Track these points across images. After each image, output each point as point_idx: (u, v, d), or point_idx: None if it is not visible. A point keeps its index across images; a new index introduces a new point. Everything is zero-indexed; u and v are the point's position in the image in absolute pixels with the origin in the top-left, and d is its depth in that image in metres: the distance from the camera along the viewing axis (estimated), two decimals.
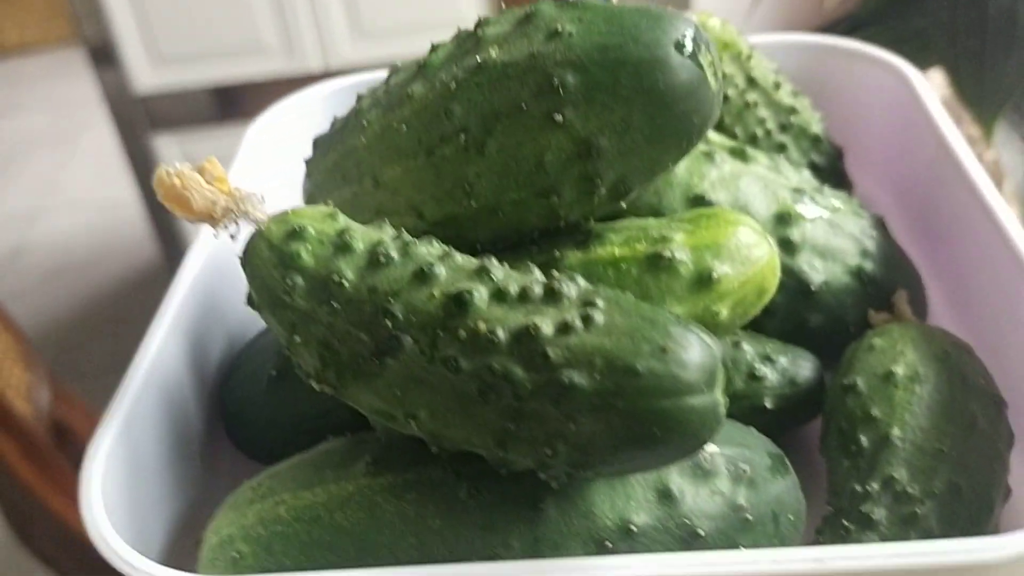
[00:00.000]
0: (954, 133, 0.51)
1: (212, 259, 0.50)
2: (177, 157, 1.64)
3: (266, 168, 0.57)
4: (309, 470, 0.40)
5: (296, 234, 0.37)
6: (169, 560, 0.42)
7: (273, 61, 1.68)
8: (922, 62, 0.88)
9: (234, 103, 1.67)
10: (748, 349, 0.46)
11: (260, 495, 0.40)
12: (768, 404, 0.45)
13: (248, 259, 0.38)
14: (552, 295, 0.34)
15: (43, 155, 2.27)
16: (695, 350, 0.32)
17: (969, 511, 0.39)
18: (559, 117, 0.37)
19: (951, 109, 0.88)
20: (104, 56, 1.65)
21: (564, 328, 0.32)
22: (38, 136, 2.34)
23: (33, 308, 1.71)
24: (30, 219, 2.02)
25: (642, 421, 0.31)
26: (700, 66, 0.37)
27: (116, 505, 0.39)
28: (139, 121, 1.74)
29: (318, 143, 0.47)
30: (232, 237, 0.40)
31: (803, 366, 0.46)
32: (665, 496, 0.37)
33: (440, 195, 0.41)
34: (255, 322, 0.47)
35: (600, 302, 0.33)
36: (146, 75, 1.63)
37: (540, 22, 0.39)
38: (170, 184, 0.39)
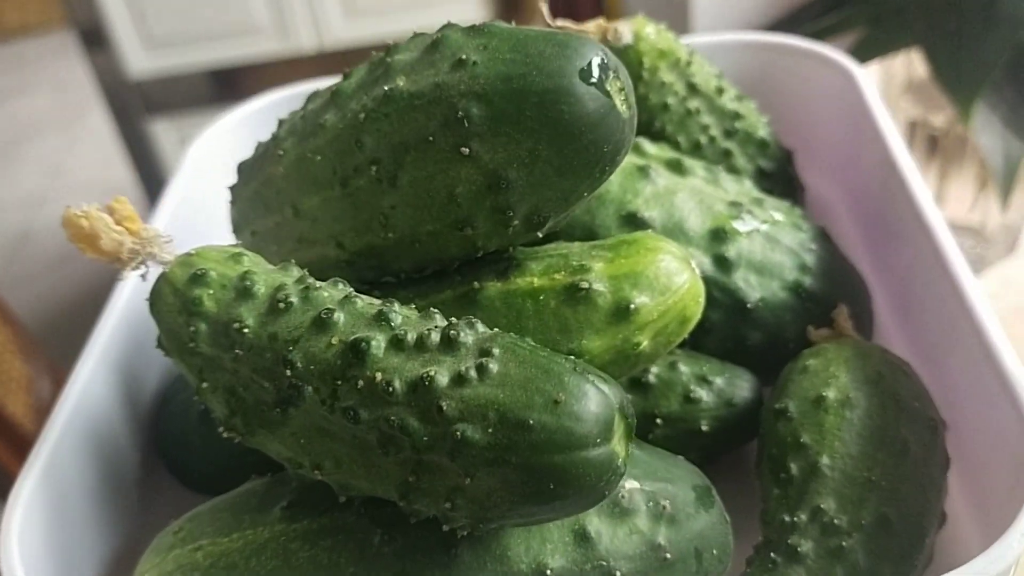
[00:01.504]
0: (895, 137, 0.50)
1: (143, 288, 0.49)
2: (174, 141, 1.64)
3: (207, 188, 0.56)
4: (227, 514, 0.39)
5: (198, 278, 0.36)
6: None
7: (266, 42, 1.66)
8: (900, 42, 0.86)
9: (229, 85, 1.67)
10: (684, 370, 0.45)
11: (180, 539, 0.39)
12: (704, 427, 0.45)
13: (154, 303, 0.37)
14: (449, 343, 0.33)
15: (48, 138, 2.26)
16: (590, 401, 0.31)
17: (899, 543, 0.38)
18: (466, 150, 0.36)
19: (927, 91, 0.86)
20: (96, 40, 1.64)
21: (459, 379, 0.32)
22: (42, 119, 2.33)
23: (40, 293, 1.71)
24: (37, 203, 2.02)
25: (537, 476, 0.30)
26: (607, 94, 0.36)
27: (38, 552, 0.39)
28: (134, 105, 1.74)
29: (242, 169, 0.46)
30: (143, 278, 0.39)
31: (741, 386, 0.46)
32: (582, 537, 0.36)
33: (358, 226, 0.41)
34: None
35: (496, 351, 0.32)
36: (139, 59, 1.62)
37: (446, 50, 0.37)
38: (78, 225, 0.38)
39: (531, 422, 0.30)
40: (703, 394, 0.45)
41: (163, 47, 1.62)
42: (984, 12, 0.87)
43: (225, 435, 0.37)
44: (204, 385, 0.37)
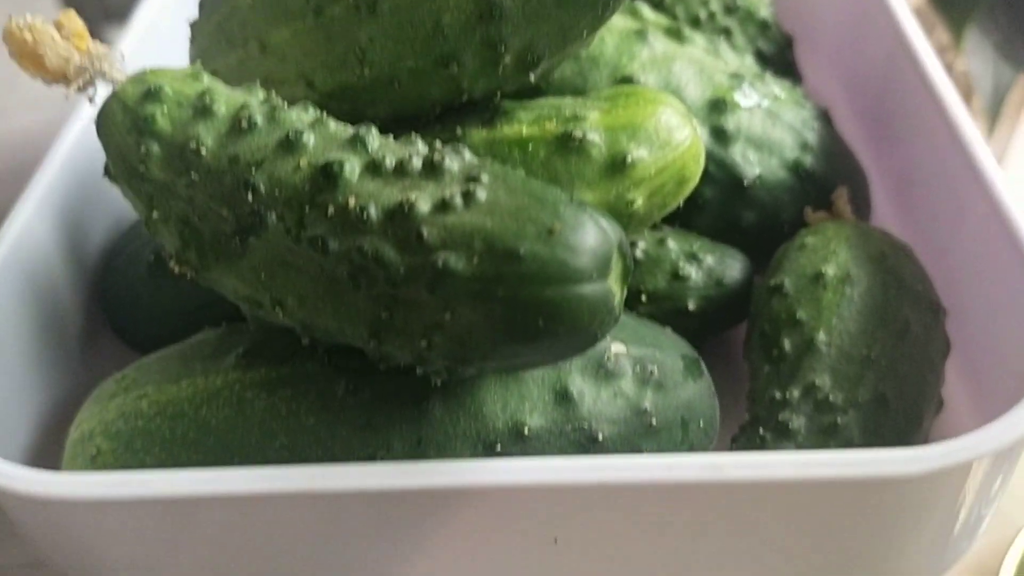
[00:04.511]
0: (912, 25, 0.47)
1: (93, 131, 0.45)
2: (135, 51, 1.56)
3: (167, 35, 0.51)
4: (177, 362, 0.36)
5: (152, 95, 0.32)
6: (40, 456, 0.39)
7: None
8: None
9: None
10: (673, 247, 0.42)
11: (124, 388, 0.36)
12: (691, 306, 0.42)
13: (102, 123, 0.34)
14: (432, 169, 0.30)
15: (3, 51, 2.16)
16: (587, 233, 0.28)
17: (895, 423, 0.36)
18: None
19: (923, 14, 0.83)
20: None
21: (442, 206, 0.28)
22: None
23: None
24: None
25: (524, 311, 0.27)
26: None
27: None
28: (92, 11, 1.66)
29: (204, 3, 0.42)
30: (90, 100, 0.35)
31: (731, 266, 0.43)
32: (563, 397, 0.33)
33: (331, 62, 0.37)
34: None
35: (485, 177, 0.29)
36: None
37: None
38: (21, 39, 0.34)
39: (521, 252, 0.27)
40: (692, 272, 0.42)
41: None
42: None
43: (177, 271, 0.33)
44: (155, 215, 0.33)
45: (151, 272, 0.42)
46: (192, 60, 0.43)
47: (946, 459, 0.28)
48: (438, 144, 0.31)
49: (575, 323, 0.28)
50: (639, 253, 0.42)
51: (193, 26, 0.42)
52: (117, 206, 0.45)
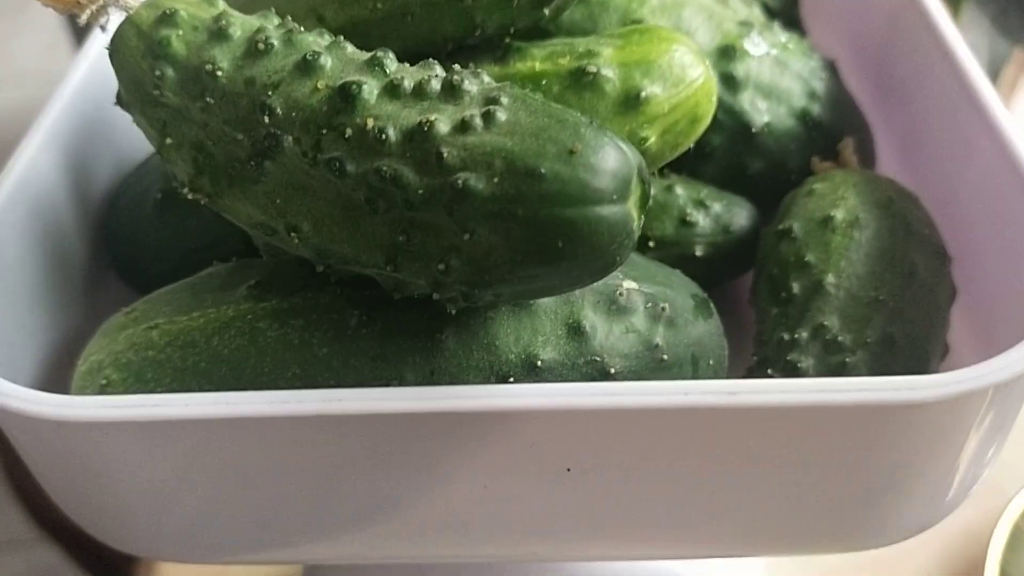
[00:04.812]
0: None
1: (103, 68, 0.44)
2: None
3: None
4: (187, 294, 0.36)
5: (167, 19, 0.32)
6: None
7: None
8: None
9: None
10: (681, 193, 0.43)
11: (133, 320, 0.36)
12: (699, 252, 0.42)
13: (115, 49, 0.33)
14: (452, 91, 0.29)
15: None
16: (608, 155, 0.28)
17: (903, 364, 0.36)
18: None
19: None
20: None
21: (462, 126, 0.28)
22: None
23: None
24: None
25: (544, 231, 0.27)
26: None
27: None
28: None
29: None
30: (102, 28, 0.35)
31: (738, 214, 0.43)
32: (575, 331, 0.33)
33: None
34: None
35: (505, 99, 0.29)
36: None
37: None
38: None
39: (542, 171, 0.27)
40: (699, 218, 0.42)
41: None
42: None
43: (190, 197, 0.33)
44: (168, 142, 0.33)
45: (157, 211, 0.42)
46: None
47: (959, 386, 0.28)
48: (457, 67, 0.30)
49: (594, 244, 0.28)
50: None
51: None
52: (124, 145, 0.45)
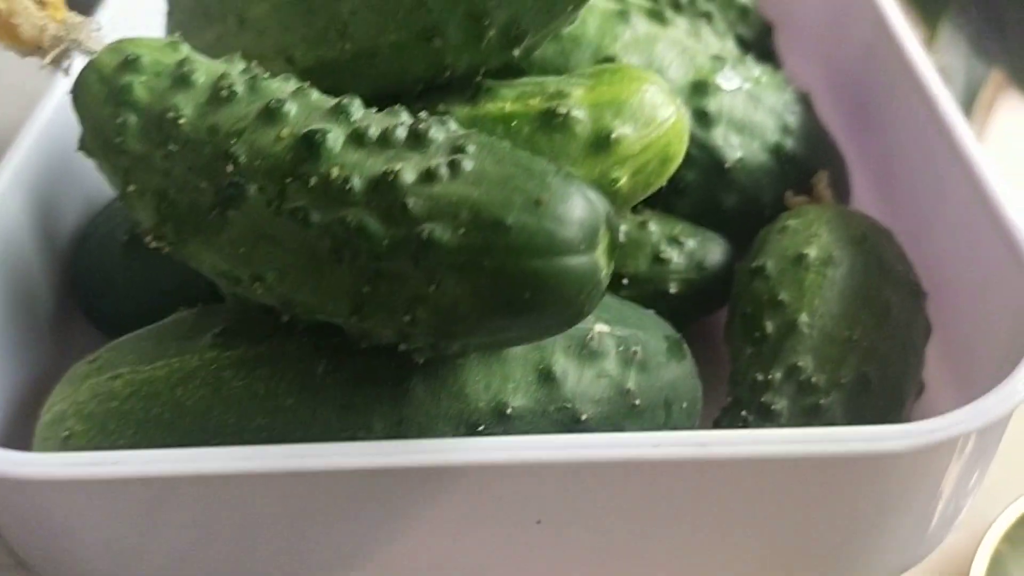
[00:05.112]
0: (894, 9, 0.47)
1: (70, 107, 0.44)
2: (112, 23, 1.54)
3: (143, 11, 0.50)
4: (151, 342, 0.35)
5: (129, 64, 0.32)
6: (9, 442, 0.38)
7: None
8: None
9: None
10: (655, 230, 0.42)
11: (97, 369, 0.35)
12: (673, 289, 0.42)
13: (77, 95, 0.33)
14: (417, 139, 0.29)
15: None
16: (575, 204, 0.27)
17: (877, 404, 0.36)
18: None
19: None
20: None
21: (428, 176, 0.28)
22: None
23: None
24: None
25: (511, 283, 0.27)
26: None
27: None
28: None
29: None
30: (65, 73, 0.34)
31: (712, 250, 0.43)
32: (546, 377, 0.33)
33: (312, 36, 0.36)
34: None
35: (471, 147, 0.29)
36: None
37: None
38: None
39: (509, 222, 0.27)
40: (673, 255, 0.42)
41: None
42: None
43: (153, 245, 0.32)
44: (131, 189, 0.32)
45: (124, 253, 0.41)
46: (169, 34, 0.42)
47: (932, 435, 0.28)
48: (423, 115, 0.30)
49: (562, 296, 0.27)
50: (620, 236, 0.42)
51: (169, 0, 0.42)
52: (90, 186, 0.44)
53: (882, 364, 0.36)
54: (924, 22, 0.85)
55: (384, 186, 0.28)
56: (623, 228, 0.42)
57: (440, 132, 0.29)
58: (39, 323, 0.41)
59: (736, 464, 0.28)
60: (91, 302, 0.43)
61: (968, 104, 0.87)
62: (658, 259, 0.42)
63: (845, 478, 0.29)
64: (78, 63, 0.34)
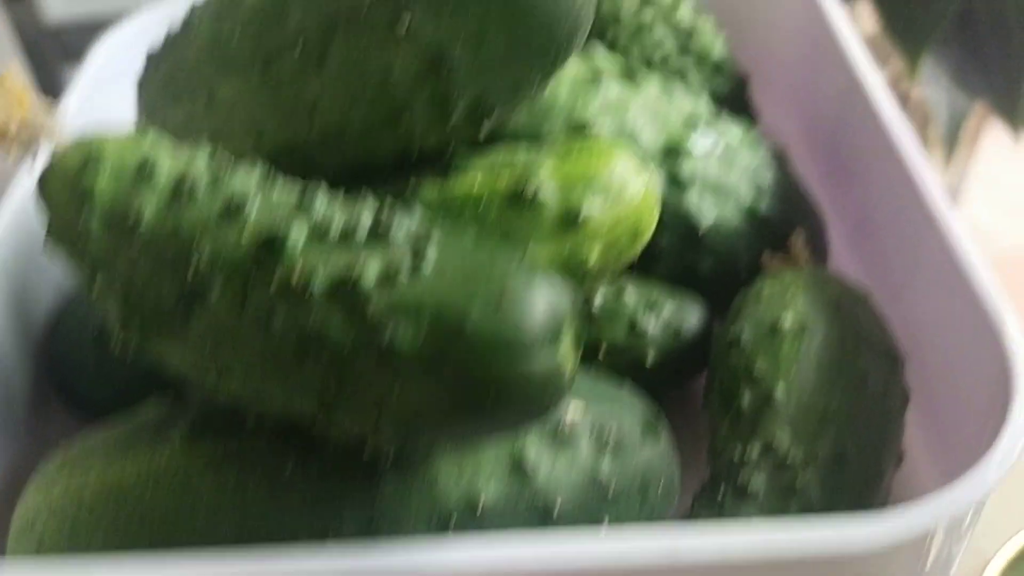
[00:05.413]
0: (864, 61, 0.47)
1: None
2: (84, 101, 1.53)
3: (114, 94, 0.50)
4: (122, 438, 0.35)
5: (92, 162, 0.32)
6: None
7: None
8: None
9: None
10: (631, 298, 0.42)
11: (68, 466, 0.35)
12: (650, 358, 0.42)
13: (41, 191, 0.33)
14: (379, 234, 0.29)
15: None
16: (537, 303, 0.27)
17: (855, 479, 0.35)
18: (403, 26, 0.32)
19: (878, 44, 0.84)
20: None
21: (389, 277, 0.28)
22: None
23: None
24: None
25: (473, 387, 0.27)
26: None
27: None
28: (51, 53, 1.63)
29: (151, 57, 0.41)
30: (34, 158, 0.34)
31: (689, 316, 0.42)
32: (518, 467, 0.33)
33: (280, 116, 0.36)
34: None
35: (433, 244, 0.28)
36: (57, 5, 1.52)
37: None
38: None
39: (469, 327, 0.27)
40: (650, 324, 0.42)
41: None
42: None
43: (120, 343, 0.32)
44: (96, 285, 0.32)
45: (98, 338, 0.41)
46: (139, 114, 0.42)
47: (904, 531, 0.28)
48: (387, 203, 0.30)
49: (525, 397, 0.27)
50: (596, 306, 0.41)
51: (140, 79, 0.41)
52: (64, 270, 0.44)
53: (859, 437, 0.36)
54: (906, 56, 0.85)
55: (345, 289, 0.28)
56: (599, 298, 0.42)
57: (403, 224, 0.29)
58: (14, 408, 0.41)
59: (707, 569, 0.28)
60: (67, 387, 0.43)
61: (952, 135, 0.87)
62: (635, 328, 0.42)
63: (824, 570, 0.28)
64: (47, 148, 0.34)
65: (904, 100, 0.87)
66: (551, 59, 0.33)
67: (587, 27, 0.34)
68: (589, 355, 0.41)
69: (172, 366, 0.32)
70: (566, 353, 0.28)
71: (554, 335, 0.27)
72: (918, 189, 0.40)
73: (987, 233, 0.84)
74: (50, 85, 1.49)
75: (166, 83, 0.39)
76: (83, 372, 0.42)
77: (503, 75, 0.33)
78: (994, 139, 0.84)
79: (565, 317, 0.28)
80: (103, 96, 0.50)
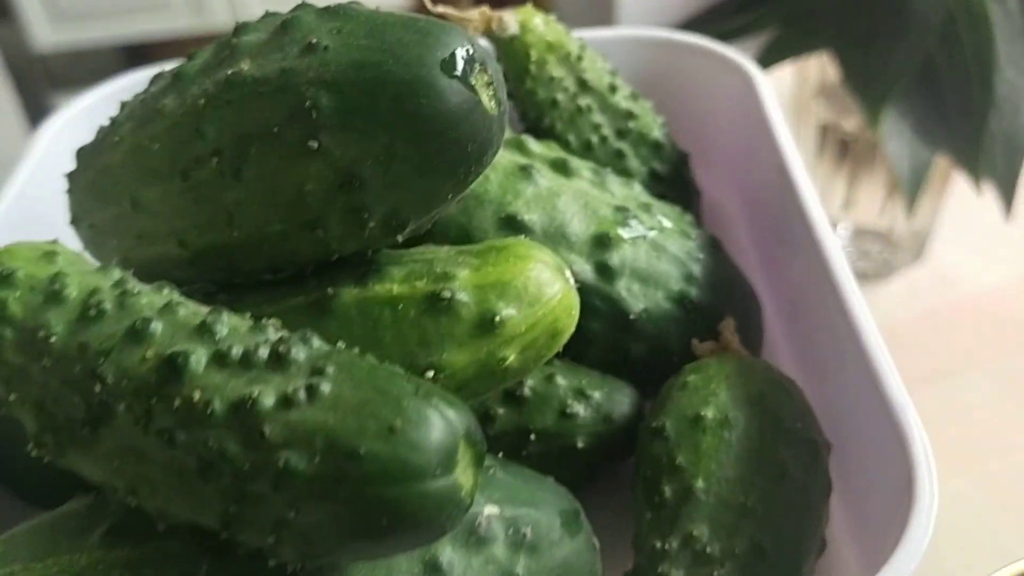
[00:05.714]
0: (789, 144, 0.48)
1: None
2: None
3: (56, 179, 0.51)
4: (45, 536, 0.35)
5: (5, 279, 0.32)
6: None
7: (179, 17, 1.60)
8: (811, 44, 0.85)
9: (140, 60, 1.60)
10: (561, 383, 0.42)
11: None
12: (581, 443, 0.42)
13: None
14: (279, 359, 0.29)
15: None
16: (431, 428, 0.28)
17: (774, 571, 0.36)
18: (315, 144, 0.33)
19: (838, 97, 0.85)
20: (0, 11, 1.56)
21: (286, 401, 0.28)
22: None
23: None
24: None
25: (368, 510, 0.27)
26: (472, 88, 0.33)
27: None
28: (39, 80, 1.65)
29: (81, 155, 0.42)
30: None
31: (620, 401, 0.43)
32: (432, 569, 0.33)
33: (201, 223, 0.37)
34: None
35: (330, 369, 0.29)
36: (45, 32, 1.54)
37: (297, 32, 0.34)
38: None
39: (362, 451, 0.27)
40: (580, 409, 0.42)
41: (71, 20, 1.54)
42: (895, 18, 0.86)
43: (35, 453, 0.33)
44: (12, 398, 0.33)
45: None
46: (72, 210, 0.43)
47: None
48: (285, 334, 0.31)
49: (420, 520, 0.28)
50: (526, 391, 0.42)
51: (70, 177, 0.42)
52: None
53: (777, 530, 0.36)
54: (867, 109, 0.85)
55: (243, 411, 0.28)
56: (529, 383, 0.42)
57: (301, 352, 0.30)
58: None
59: None
60: (4, 469, 0.43)
61: (914, 188, 0.87)
62: (565, 414, 0.42)
63: None
64: None
65: (871, 148, 0.88)
66: (460, 176, 0.34)
67: (496, 148, 0.34)
68: (519, 440, 0.42)
69: (85, 476, 0.32)
70: (463, 474, 0.28)
71: (448, 459, 0.28)
72: (840, 290, 0.40)
73: (958, 275, 0.84)
74: (37, 111, 1.52)
75: (93, 184, 0.40)
76: (20, 457, 0.42)
77: (414, 191, 0.34)
78: (965, 182, 0.85)
79: (459, 441, 0.28)
80: (47, 179, 0.50)
